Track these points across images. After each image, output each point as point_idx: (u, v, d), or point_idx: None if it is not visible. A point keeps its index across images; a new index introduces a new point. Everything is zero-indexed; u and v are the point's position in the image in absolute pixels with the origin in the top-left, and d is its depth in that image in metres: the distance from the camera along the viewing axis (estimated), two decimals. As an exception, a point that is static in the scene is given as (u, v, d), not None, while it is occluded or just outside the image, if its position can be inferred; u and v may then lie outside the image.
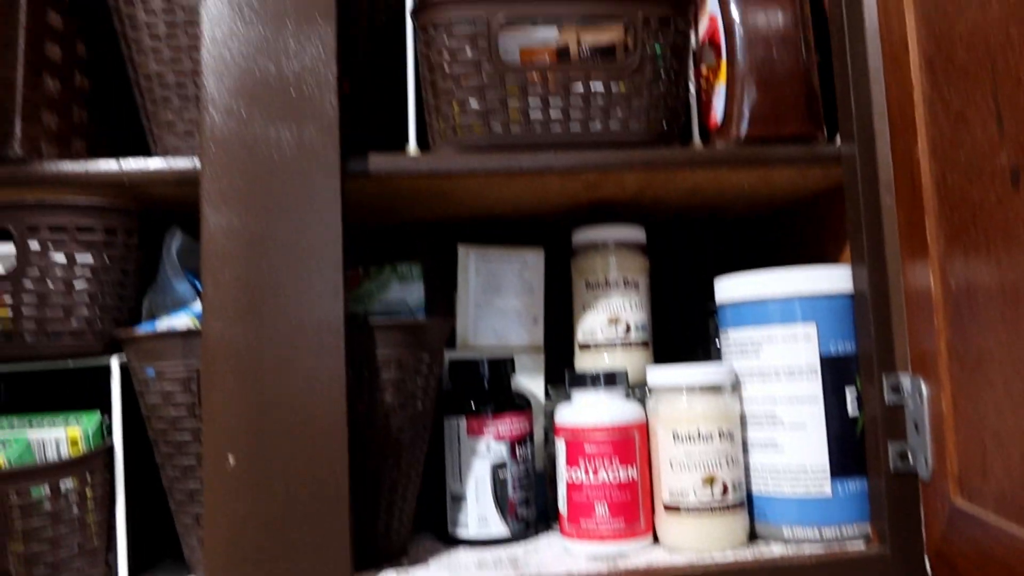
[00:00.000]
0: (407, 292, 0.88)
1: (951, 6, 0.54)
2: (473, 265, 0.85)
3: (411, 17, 0.69)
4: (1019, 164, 0.45)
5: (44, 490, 0.58)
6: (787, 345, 0.68)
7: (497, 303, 0.86)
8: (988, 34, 0.49)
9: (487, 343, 0.85)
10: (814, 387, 0.68)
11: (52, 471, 0.59)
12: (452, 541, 0.73)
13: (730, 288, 0.73)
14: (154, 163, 0.64)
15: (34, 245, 0.61)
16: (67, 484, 0.59)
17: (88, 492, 0.61)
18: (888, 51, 0.64)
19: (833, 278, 0.69)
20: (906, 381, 0.63)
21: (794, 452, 0.68)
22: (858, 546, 0.66)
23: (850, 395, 0.68)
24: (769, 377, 0.69)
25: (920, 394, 0.61)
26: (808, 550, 0.65)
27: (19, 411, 0.64)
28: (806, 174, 0.73)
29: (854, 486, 0.67)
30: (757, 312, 0.70)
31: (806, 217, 0.86)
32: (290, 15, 0.63)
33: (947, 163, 0.55)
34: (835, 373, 0.68)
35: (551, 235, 0.90)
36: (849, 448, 0.67)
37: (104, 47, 0.72)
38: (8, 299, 0.61)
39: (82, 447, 0.62)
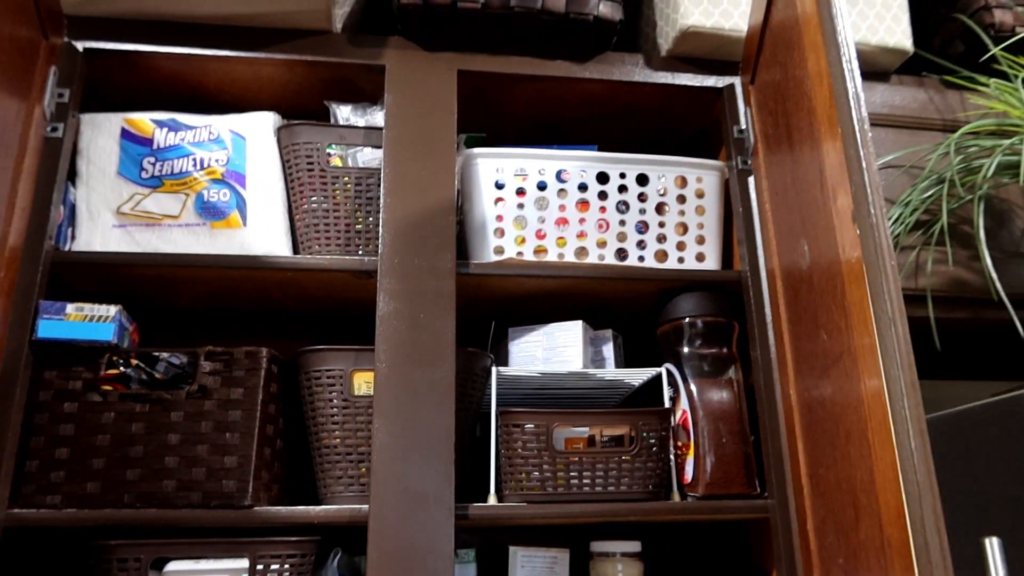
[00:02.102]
0: (464, 572, 1.23)
1: (825, 452, 0.95)
2: (519, 560, 1.20)
3: (496, 416, 1.09)
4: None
5: None
6: (738, 640, 1.03)
7: (535, 589, 1.20)
8: (851, 476, 0.89)
9: (527, 619, 1.18)
10: (756, 672, 1.02)
11: None
12: None
13: (699, 594, 1.08)
14: (335, 510, 1.01)
15: (259, 567, 0.96)
16: None
17: None
18: (792, 460, 1.04)
19: (766, 594, 1.05)
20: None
21: None
22: None
23: (780, 678, 1.02)
24: (726, 662, 1.03)
25: None
26: None
27: None
28: (747, 515, 1.12)
29: None
30: (718, 614, 1.05)
31: (750, 534, 1.23)
32: (427, 419, 1.02)
33: (825, 546, 0.94)
34: (770, 662, 1.02)
35: (572, 538, 1.26)
36: None
37: (288, 420, 1.12)
38: (239, 603, 0.95)
39: None
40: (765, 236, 1.15)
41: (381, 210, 1.10)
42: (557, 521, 1.12)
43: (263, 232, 1.13)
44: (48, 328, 1.00)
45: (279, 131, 1.17)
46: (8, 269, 0.98)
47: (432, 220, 1.11)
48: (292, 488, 1.14)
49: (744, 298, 1.18)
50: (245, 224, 1.12)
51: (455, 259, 1.10)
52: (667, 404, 1.15)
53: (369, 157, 1.17)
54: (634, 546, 1.18)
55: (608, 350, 1.26)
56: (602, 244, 1.23)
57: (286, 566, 0.98)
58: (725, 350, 1.19)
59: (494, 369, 1.13)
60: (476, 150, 1.21)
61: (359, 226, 1.16)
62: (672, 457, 1.14)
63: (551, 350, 1.21)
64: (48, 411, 1.01)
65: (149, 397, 1.02)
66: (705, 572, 1.17)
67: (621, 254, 1.24)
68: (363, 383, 1.08)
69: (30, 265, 1.02)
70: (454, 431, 1.02)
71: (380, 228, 1.09)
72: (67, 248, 1.10)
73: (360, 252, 1.15)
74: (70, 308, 1.01)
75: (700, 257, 1.25)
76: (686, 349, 1.19)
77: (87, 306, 1.02)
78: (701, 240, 1.26)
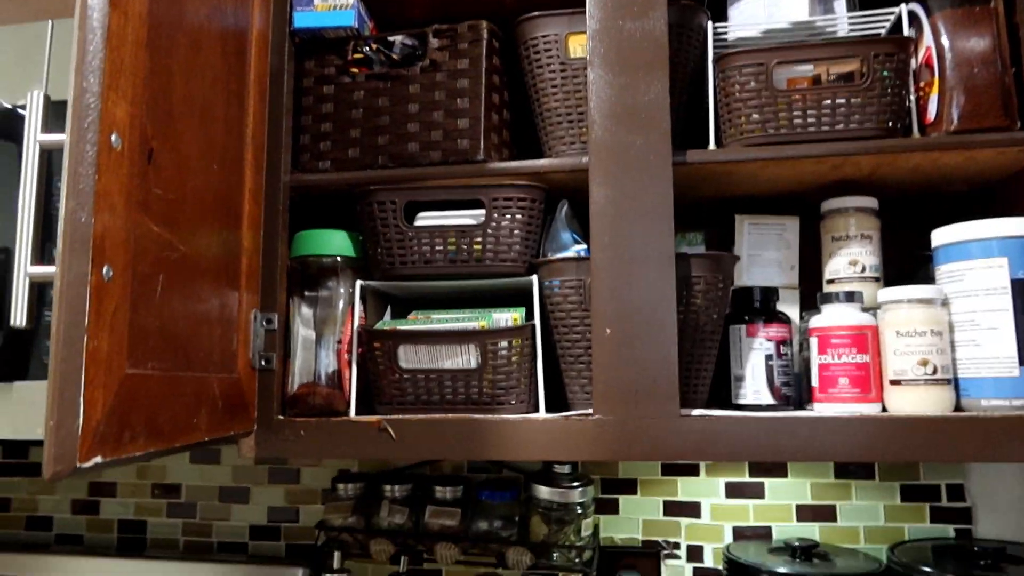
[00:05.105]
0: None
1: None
2: (746, 229, 1.21)
3: (713, 63, 1.07)
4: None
5: (503, 343, 1.03)
6: (985, 272, 0.97)
7: (764, 256, 1.20)
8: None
9: (756, 283, 1.20)
10: (1005, 301, 0.95)
11: (506, 333, 1.04)
12: (734, 407, 1.08)
13: (943, 235, 1.02)
14: (557, 162, 1.08)
15: (495, 212, 1.07)
16: (513, 342, 1.04)
17: (522, 349, 1.04)
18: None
19: (1019, 224, 0.96)
20: (1074, 292, 0.89)
21: (990, 346, 0.96)
22: (1040, 413, 0.92)
23: (1034, 307, 0.95)
24: (971, 295, 0.98)
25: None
26: (1000, 414, 0.93)
27: (488, 306, 1.10)
28: (1003, 153, 1.01)
29: (1037, 371, 0.94)
30: (963, 251, 0.99)
31: (1004, 194, 1.11)
32: (641, 68, 1.03)
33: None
34: (1022, 292, 0.95)
35: (802, 208, 1.23)
36: (1033, 344, 0.94)
37: (512, 91, 1.18)
38: (479, 239, 1.07)
39: (520, 323, 1.06)
40: None
41: None
42: (781, 172, 1.10)
43: (474, -87, 1.16)
44: (302, 19, 1.14)
45: None
46: (263, -36, 1.11)
47: None
48: (520, 157, 1.23)
49: (1008, -90, 1.02)
50: (457, -92, 1.16)
51: (662, -95, 1.06)
52: (907, 44, 1.05)
53: None
54: (870, 201, 1.13)
55: (840, 6, 1.16)
56: None
57: (517, 212, 1.07)
58: (982, -24, 1.04)
59: (710, 24, 1.10)
60: None
61: None
62: (913, 98, 1.05)
63: (772, 6, 1.14)
64: (311, 94, 1.17)
65: (389, 75, 1.14)
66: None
67: None
68: (578, 46, 1.10)
69: (281, -33, 1.15)
70: (668, 84, 1.02)
71: None
72: (309, -46, 1.23)
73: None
74: (317, 0, 1.14)
75: None
76: (933, -19, 1.06)
77: (330, -4, 1.14)
78: None
